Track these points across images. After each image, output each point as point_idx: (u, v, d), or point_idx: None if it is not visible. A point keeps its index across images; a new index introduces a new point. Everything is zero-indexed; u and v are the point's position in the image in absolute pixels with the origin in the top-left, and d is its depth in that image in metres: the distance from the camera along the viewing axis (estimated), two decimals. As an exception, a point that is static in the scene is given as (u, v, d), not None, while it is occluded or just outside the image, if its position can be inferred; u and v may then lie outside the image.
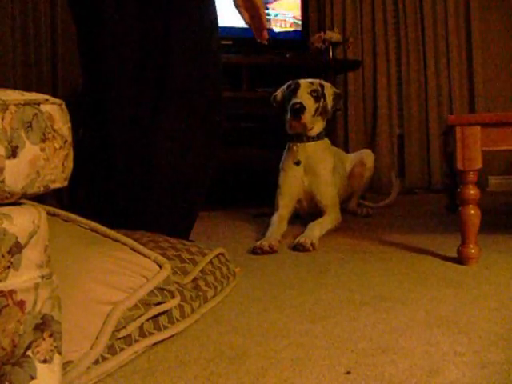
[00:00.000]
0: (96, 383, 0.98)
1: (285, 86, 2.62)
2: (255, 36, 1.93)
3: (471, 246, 1.78)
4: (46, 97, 0.77)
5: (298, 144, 2.52)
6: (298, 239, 2.14)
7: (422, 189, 4.26)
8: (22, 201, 0.78)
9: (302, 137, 2.52)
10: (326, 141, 2.61)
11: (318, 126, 2.56)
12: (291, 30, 3.80)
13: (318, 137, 2.55)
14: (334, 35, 3.75)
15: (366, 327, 1.23)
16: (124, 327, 1.07)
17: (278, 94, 2.63)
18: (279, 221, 2.38)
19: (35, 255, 0.76)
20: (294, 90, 2.51)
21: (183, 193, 1.75)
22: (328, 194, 2.49)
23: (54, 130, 0.77)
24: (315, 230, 2.25)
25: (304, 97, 2.47)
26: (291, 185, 2.51)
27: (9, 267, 0.72)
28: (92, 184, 1.78)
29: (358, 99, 4.15)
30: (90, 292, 1.06)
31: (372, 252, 2.04)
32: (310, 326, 1.25)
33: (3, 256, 0.71)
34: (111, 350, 1.04)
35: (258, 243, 2.09)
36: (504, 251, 1.98)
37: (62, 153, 0.78)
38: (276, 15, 3.75)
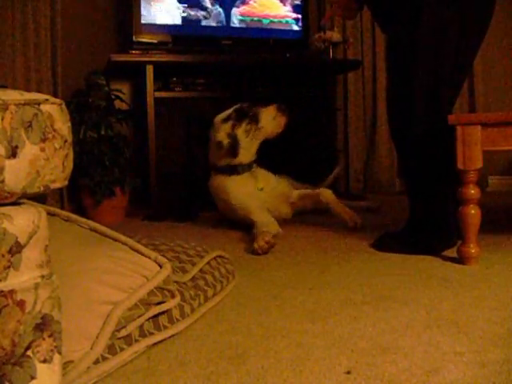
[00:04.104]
0: (96, 383, 0.98)
1: (227, 125, 2.55)
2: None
3: (471, 245, 1.78)
4: (46, 97, 0.77)
5: (256, 170, 2.60)
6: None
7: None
8: (22, 201, 0.78)
9: (251, 165, 2.58)
10: None
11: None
12: (291, 29, 3.80)
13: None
14: (334, 35, 3.74)
15: (366, 327, 1.23)
16: (124, 327, 1.07)
17: (222, 136, 2.53)
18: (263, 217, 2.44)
19: (35, 255, 0.76)
20: (254, 116, 2.51)
21: None
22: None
23: (54, 130, 0.77)
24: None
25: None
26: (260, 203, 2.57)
27: (9, 267, 0.72)
28: None
29: (358, 99, 4.14)
30: (90, 292, 1.06)
31: (372, 252, 2.04)
32: (310, 325, 1.25)
33: (3, 256, 0.71)
34: (111, 349, 1.04)
35: (256, 246, 2.07)
36: (504, 251, 1.98)
37: (61, 153, 0.78)
38: (279, 21, 3.77)
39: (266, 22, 3.65)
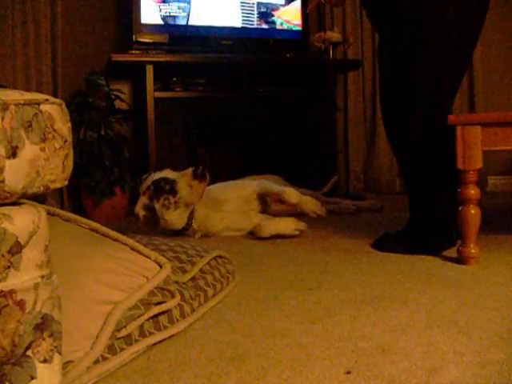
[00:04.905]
0: (96, 383, 0.98)
1: (145, 197, 2.45)
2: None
3: (471, 245, 1.78)
4: (46, 97, 0.77)
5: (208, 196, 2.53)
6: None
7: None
8: (22, 201, 0.78)
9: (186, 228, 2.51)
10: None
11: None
12: (291, 29, 3.80)
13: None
14: (334, 35, 3.74)
15: (366, 327, 1.22)
16: (124, 327, 1.07)
17: (138, 208, 2.45)
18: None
19: (35, 255, 0.76)
20: (171, 189, 2.41)
21: None
22: None
23: (54, 130, 0.77)
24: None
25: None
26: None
27: (9, 267, 0.72)
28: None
29: (358, 99, 4.14)
30: (91, 292, 1.06)
31: (372, 252, 2.04)
32: (309, 325, 1.25)
33: (3, 256, 0.71)
34: (111, 349, 1.04)
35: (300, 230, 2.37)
36: (504, 251, 1.98)
37: (62, 152, 0.78)
38: (282, 23, 3.76)
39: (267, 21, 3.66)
